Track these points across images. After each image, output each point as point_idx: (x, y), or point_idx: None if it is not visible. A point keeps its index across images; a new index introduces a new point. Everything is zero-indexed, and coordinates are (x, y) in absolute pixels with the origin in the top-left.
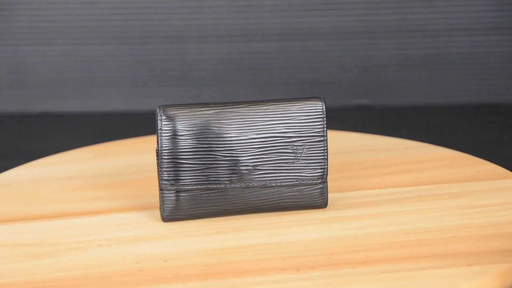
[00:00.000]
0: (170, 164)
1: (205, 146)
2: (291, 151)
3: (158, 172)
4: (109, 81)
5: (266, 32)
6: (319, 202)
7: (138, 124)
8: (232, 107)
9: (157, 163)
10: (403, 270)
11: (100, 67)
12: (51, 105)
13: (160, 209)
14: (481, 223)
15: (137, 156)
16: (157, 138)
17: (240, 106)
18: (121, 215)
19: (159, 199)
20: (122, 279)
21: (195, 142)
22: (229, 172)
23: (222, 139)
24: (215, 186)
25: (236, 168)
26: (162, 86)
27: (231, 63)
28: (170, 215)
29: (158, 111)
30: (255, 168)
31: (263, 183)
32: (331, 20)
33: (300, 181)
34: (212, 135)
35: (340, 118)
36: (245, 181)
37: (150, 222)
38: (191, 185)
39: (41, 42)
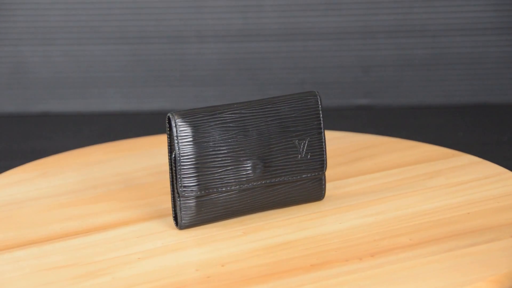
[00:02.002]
0: (188, 170)
1: (219, 148)
2: (294, 146)
3: (174, 179)
4: (109, 81)
5: (266, 32)
6: (318, 194)
7: (138, 124)
8: (238, 107)
9: (172, 170)
10: (457, 248)
11: (100, 67)
12: (51, 105)
13: (176, 216)
14: (480, 198)
15: (80, 171)
16: (171, 145)
17: (246, 106)
18: (129, 228)
19: (174, 207)
20: (201, 287)
21: (210, 145)
22: (243, 172)
23: (233, 140)
24: (230, 188)
25: (250, 167)
26: (162, 86)
27: (231, 63)
28: (188, 221)
29: (171, 117)
30: (265, 166)
31: (274, 180)
32: (331, 20)
33: (305, 175)
34: (224, 137)
35: (340, 118)
36: (258, 180)
37: (168, 231)
38: (209, 189)
39: (41, 42)
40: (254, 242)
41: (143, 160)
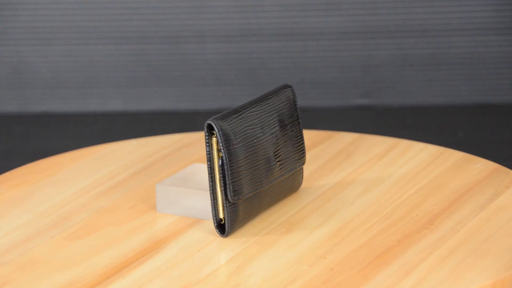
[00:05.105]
0: (235, 174)
1: (249, 149)
2: (289, 138)
3: (222, 186)
4: (109, 81)
5: (266, 32)
6: (299, 183)
7: (138, 124)
8: (252, 107)
9: (214, 177)
10: (487, 203)
11: (100, 67)
12: (51, 105)
13: (220, 224)
14: (418, 165)
15: (23, 206)
16: (211, 153)
17: (256, 104)
18: (175, 245)
19: (217, 215)
20: (340, 278)
21: (244, 149)
22: (268, 170)
23: (257, 139)
24: (261, 187)
25: (272, 164)
26: (162, 86)
27: (231, 63)
28: (233, 227)
29: (214, 124)
30: (278, 161)
31: (285, 173)
32: (330, 20)
33: (298, 165)
34: (251, 138)
35: (340, 118)
36: (277, 176)
37: (216, 239)
38: (248, 192)
39: (41, 42)
40: (310, 235)
41: (66, 185)
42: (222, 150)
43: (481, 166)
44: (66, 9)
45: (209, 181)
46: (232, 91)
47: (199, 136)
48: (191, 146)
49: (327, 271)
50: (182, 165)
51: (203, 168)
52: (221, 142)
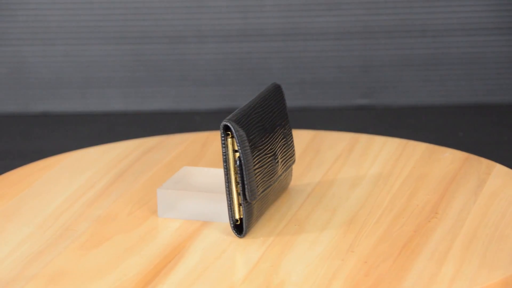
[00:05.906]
0: (251, 174)
1: (259, 148)
2: (284, 137)
3: (233, 187)
4: (109, 81)
5: (266, 32)
6: (290, 180)
7: (138, 124)
8: (255, 108)
9: (231, 177)
10: (481, 184)
11: (100, 67)
12: (51, 105)
13: (237, 225)
14: (391, 157)
15: (19, 222)
16: (227, 154)
17: (257, 107)
18: (196, 247)
19: (233, 216)
20: (377, 271)
21: (255, 146)
22: (275, 168)
23: (265, 138)
24: (270, 185)
25: (273, 164)
26: (162, 86)
27: (231, 63)
28: (249, 227)
29: (230, 125)
30: (280, 158)
31: (285, 171)
32: (331, 20)
33: (292, 163)
34: (258, 139)
35: (340, 118)
36: (278, 175)
37: (234, 240)
38: (261, 191)
39: (41, 42)
40: (325, 231)
41: (50, 196)
42: (240, 151)
43: (449, 155)
44: (66, 9)
45: (225, 181)
46: (232, 91)
47: (159, 140)
48: (154, 150)
49: (361, 264)
50: (158, 169)
51: (195, 171)
52: (239, 143)
